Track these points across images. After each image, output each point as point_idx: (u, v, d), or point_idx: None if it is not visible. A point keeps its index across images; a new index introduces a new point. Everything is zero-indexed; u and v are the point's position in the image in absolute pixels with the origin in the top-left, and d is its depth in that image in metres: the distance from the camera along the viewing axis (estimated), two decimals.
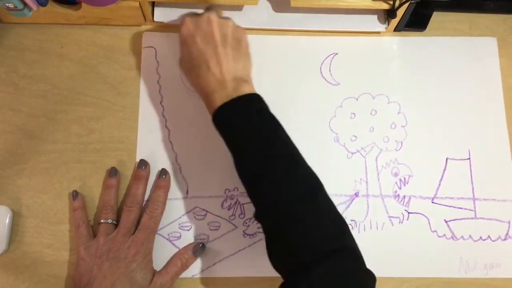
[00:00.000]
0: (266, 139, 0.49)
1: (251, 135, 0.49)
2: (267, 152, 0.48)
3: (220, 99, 0.50)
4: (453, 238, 0.58)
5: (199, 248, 0.56)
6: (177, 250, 0.56)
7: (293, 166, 0.48)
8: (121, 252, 0.52)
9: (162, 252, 0.56)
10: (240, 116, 0.49)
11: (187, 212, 0.58)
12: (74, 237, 0.56)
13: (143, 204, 0.57)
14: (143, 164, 0.58)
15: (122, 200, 0.58)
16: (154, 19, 0.62)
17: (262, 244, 0.57)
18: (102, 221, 0.55)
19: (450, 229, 0.58)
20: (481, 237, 0.58)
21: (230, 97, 0.49)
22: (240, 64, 0.52)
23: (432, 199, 0.59)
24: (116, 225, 0.55)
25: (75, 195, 0.57)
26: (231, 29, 0.53)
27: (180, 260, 0.55)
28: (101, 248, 0.53)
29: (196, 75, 0.52)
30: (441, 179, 0.59)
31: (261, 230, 0.57)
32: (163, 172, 0.58)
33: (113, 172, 0.57)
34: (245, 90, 0.50)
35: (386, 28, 0.63)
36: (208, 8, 0.54)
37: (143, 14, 0.61)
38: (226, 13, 0.62)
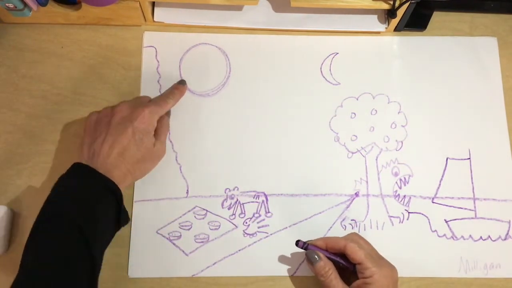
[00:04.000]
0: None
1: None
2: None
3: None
4: (453, 238, 0.58)
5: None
6: (177, 249, 0.56)
7: None
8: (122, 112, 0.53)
9: (162, 252, 0.56)
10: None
11: (187, 212, 0.58)
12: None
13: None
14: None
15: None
16: (154, 19, 0.62)
17: (263, 243, 0.57)
18: None
19: (450, 229, 0.58)
20: (481, 237, 0.58)
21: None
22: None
23: (433, 199, 0.59)
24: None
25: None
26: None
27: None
28: (105, 110, 0.55)
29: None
30: (441, 179, 0.59)
31: (261, 229, 0.57)
32: (182, 82, 0.60)
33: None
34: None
35: (386, 28, 0.63)
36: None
37: (143, 14, 0.61)
38: (226, 13, 0.63)
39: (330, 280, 0.51)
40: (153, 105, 0.55)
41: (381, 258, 0.52)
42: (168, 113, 0.59)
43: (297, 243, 0.53)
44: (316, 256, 0.52)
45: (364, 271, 0.50)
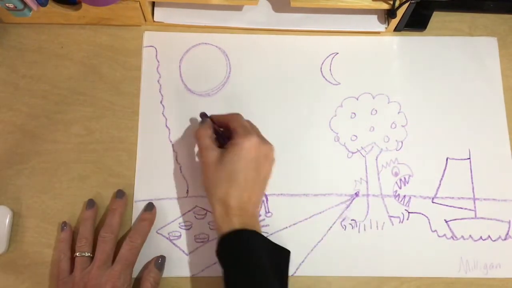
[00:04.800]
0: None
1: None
2: None
3: (237, 224, 0.51)
4: (453, 238, 0.58)
5: (159, 262, 0.55)
6: (177, 249, 0.56)
7: None
8: (97, 287, 0.51)
9: (163, 252, 0.56)
10: (243, 249, 0.50)
11: (187, 212, 0.58)
12: (55, 270, 0.55)
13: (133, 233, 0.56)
14: (120, 194, 0.57)
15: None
16: (154, 19, 0.62)
17: None
18: (77, 254, 0.53)
19: (450, 229, 0.58)
20: (481, 237, 0.58)
21: (245, 226, 0.51)
22: (260, 201, 0.54)
23: (433, 198, 0.59)
24: (93, 258, 0.54)
25: (63, 226, 0.56)
26: (270, 168, 0.55)
27: (149, 281, 0.53)
28: (77, 284, 0.51)
29: (227, 187, 0.51)
30: (441, 179, 0.59)
31: (261, 229, 0.57)
32: (149, 207, 0.57)
33: (90, 204, 0.57)
34: (256, 227, 0.52)
35: (386, 28, 0.63)
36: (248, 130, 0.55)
37: (143, 14, 0.61)
38: (226, 13, 0.63)
39: (203, 140, 0.54)
40: (120, 266, 0.53)
41: (261, 136, 0.55)
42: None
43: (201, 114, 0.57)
44: (203, 121, 0.57)
45: (235, 135, 0.53)
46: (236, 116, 0.56)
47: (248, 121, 0.57)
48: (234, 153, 0.52)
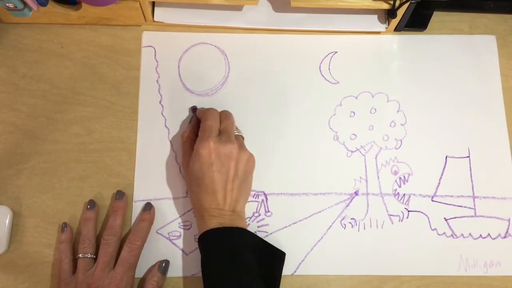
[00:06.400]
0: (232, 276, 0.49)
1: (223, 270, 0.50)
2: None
3: (214, 224, 0.52)
4: (453, 236, 0.58)
5: (163, 266, 0.55)
6: (177, 249, 0.56)
7: None
8: None
9: (163, 252, 0.56)
10: (221, 246, 0.51)
11: (187, 211, 0.58)
12: (56, 271, 0.55)
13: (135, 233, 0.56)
14: (120, 195, 0.57)
15: (100, 233, 0.57)
16: (154, 19, 0.62)
17: None
18: (80, 255, 0.54)
19: (450, 227, 0.58)
20: (481, 235, 0.58)
21: (223, 225, 0.51)
22: (242, 198, 0.54)
23: (432, 197, 0.59)
24: (95, 259, 0.54)
25: (64, 227, 0.56)
26: (245, 163, 0.54)
27: (151, 285, 0.54)
28: (80, 285, 0.52)
29: (198, 192, 0.53)
30: (440, 177, 0.59)
31: (261, 229, 0.57)
32: (148, 207, 0.57)
33: (91, 205, 0.57)
34: (239, 224, 0.52)
35: (386, 28, 0.63)
36: (225, 117, 0.56)
37: (143, 14, 0.61)
38: (226, 13, 0.63)
39: (183, 144, 0.57)
40: (122, 268, 0.53)
41: (227, 136, 0.54)
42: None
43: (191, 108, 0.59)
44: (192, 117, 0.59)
45: (197, 139, 0.54)
46: (209, 114, 0.56)
47: (225, 113, 0.57)
48: (194, 160, 0.53)
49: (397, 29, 0.63)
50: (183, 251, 0.57)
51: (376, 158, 0.60)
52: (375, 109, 0.62)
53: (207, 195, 0.52)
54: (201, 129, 0.55)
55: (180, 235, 0.57)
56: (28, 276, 0.56)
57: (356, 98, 0.62)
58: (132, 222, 0.57)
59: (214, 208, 0.52)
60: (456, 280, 0.57)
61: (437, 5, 0.62)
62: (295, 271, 0.56)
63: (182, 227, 0.57)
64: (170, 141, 0.60)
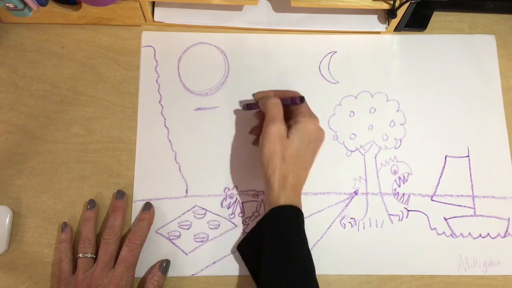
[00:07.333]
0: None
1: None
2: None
3: (291, 199, 0.52)
4: (452, 236, 0.58)
5: (164, 266, 0.55)
6: (177, 249, 0.57)
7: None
8: None
9: (163, 252, 0.56)
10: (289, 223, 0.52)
11: (187, 211, 0.58)
12: (56, 271, 0.55)
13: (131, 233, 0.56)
14: (121, 194, 0.57)
15: (100, 232, 0.57)
16: (154, 19, 0.62)
17: None
18: (80, 255, 0.54)
19: (449, 226, 0.58)
20: (480, 235, 0.58)
21: (289, 203, 0.52)
22: (304, 181, 0.55)
23: (432, 196, 0.59)
24: (95, 259, 0.54)
25: (64, 226, 0.56)
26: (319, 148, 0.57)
27: (152, 284, 0.54)
28: (80, 285, 0.52)
29: (289, 161, 0.53)
30: (440, 177, 0.60)
31: None
32: (147, 206, 0.57)
33: (91, 205, 0.57)
34: (298, 203, 0.53)
35: (386, 28, 0.63)
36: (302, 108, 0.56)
37: (143, 14, 0.61)
38: (226, 13, 0.63)
39: (274, 111, 0.55)
40: (122, 267, 0.53)
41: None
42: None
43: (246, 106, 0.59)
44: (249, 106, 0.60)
45: (299, 114, 0.54)
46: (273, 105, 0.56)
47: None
48: (301, 132, 0.53)
49: (397, 29, 0.63)
50: (182, 251, 0.57)
51: (375, 157, 0.60)
52: (375, 109, 0.62)
53: (297, 169, 0.53)
54: (302, 106, 0.55)
55: (180, 235, 0.57)
56: (28, 276, 0.56)
57: (356, 97, 0.62)
58: (132, 222, 0.57)
59: (295, 185, 0.53)
60: (455, 280, 0.57)
61: (437, 5, 0.63)
62: None
63: (181, 227, 0.57)
64: (170, 141, 0.60)
